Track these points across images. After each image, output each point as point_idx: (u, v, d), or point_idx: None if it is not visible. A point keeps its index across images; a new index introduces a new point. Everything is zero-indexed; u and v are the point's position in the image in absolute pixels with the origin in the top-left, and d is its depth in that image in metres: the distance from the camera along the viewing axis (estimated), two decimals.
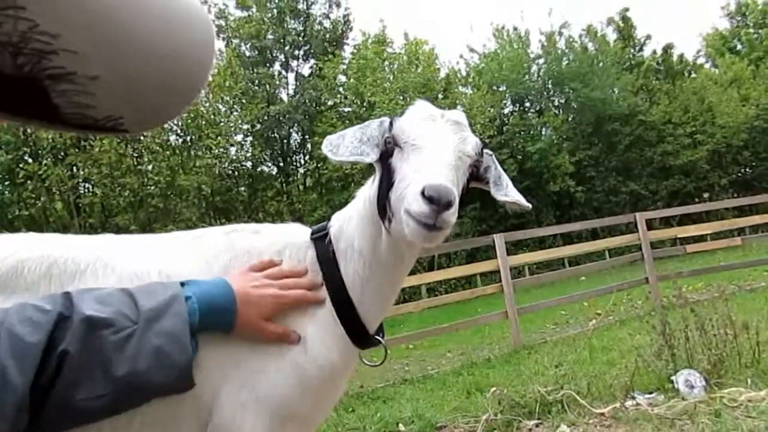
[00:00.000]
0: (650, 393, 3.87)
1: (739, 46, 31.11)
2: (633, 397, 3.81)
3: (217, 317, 1.06)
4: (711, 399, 3.50)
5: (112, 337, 0.91)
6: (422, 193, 1.01)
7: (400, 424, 4.30)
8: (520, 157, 21.41)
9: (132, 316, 0.94)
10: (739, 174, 26.32)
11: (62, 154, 15.70)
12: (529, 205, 1.26)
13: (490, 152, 1.29)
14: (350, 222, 1.29)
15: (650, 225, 9.38)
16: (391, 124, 1.20)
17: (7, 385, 0.79)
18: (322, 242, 1.29)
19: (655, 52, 28.43)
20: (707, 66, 30.63)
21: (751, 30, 31.14)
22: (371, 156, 1.15)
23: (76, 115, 0.40)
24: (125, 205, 16.02)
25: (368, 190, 1.28)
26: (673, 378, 3.86)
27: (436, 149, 1.13)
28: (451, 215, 1.03)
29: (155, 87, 0.42)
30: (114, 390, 0.90)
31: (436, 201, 1.00)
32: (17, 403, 0.80)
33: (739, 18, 32.17)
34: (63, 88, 0.38)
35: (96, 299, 0.94)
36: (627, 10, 28.21)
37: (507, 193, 1.27)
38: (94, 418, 0.92)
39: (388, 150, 1.17)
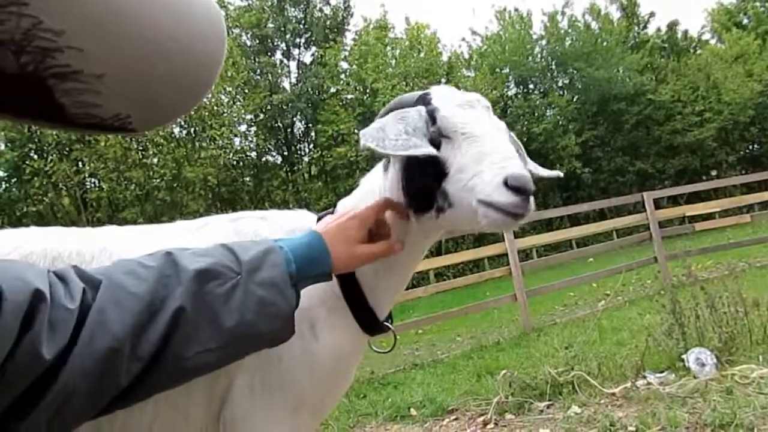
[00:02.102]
0: (661, 372, 3.86)
1: (745, 21, 30.70)
2: (644, 377, 3.81)
3: (312, 264, 1.03)
4: (722, 377, 3.49)
5: (219, 289, 0.90)
6: (505, 183, 1.02)
7: (412, 409, 4.32)
8: (525, 138, 21.29)
9: (234, 267, 0.93)
10: (747, 151, 26.14)
11: (68, 149, 15.75)
12: (560, 173, 1.24)
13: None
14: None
15: (658, 204, 9.33)
16: (430, 113, 1.17)
17: (104, 328, 0.77)
18: None
19: (659, 29, 28.15)
20: (713, 42, 30.28)
21: (758, 3, 30.70)
22: (429, 149, 1.09)
23: (82, 115, 0.39)
24: (132, 198, 16.08)
25: (380, 181, 1.27)
26: (683, 356, 3.86)
27: (493, 138, 1.12)
28: (533, 202, 1.06)
29: (164, 84, 0.41)
30: (223, 343, 0.90)
31: (523, 191, 1.02)
32: (113, 347, 0.77)
33: None
34: (68, 87, 0.37)
35: (197, 253, 0.94)
36: None
37: (536, 168, 1.26)
38: (202, 373, 0.92)
39: (434, 141, 1.13)
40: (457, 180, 1.09)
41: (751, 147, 26.44)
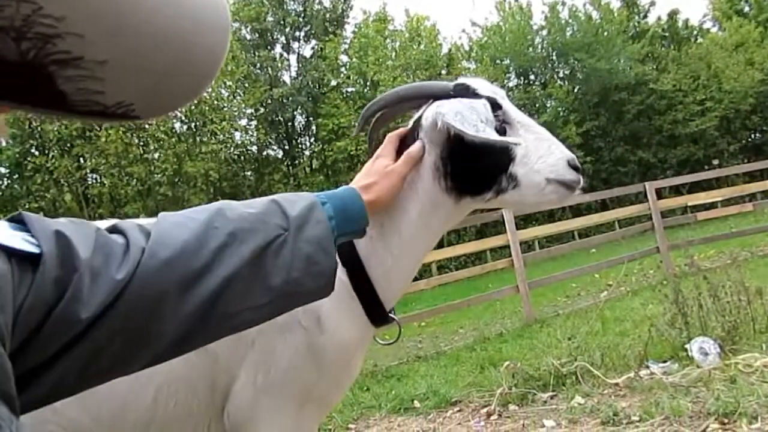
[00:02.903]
0: (664, 362, 3.86)
1: (746, 8, 30.52)
2: (647, 367, 3.81)
3: (350, 221, 1.04)
4: (726, 366, 3.49)
5: (272, 245, 0.90)
6: (568, 163, 1.25)
7: (415, 401, 4.33)
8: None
9: (283, 223, 0.93)
10: (749, 139, 26.06)
11: (68, 145, 15.76)
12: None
13: None
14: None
15: (660, 194, 9.30)
16: (493, 104, 1.27)
17: (151, 280, 0.75)
18: None
19: (659, 18, 28.01)
20: (714, 30, 30.13)
21: None
22: (519, 139, 1.26)
23: (84, 102, 0.39)
24: (133, 194, 16.10)
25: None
26: (687, 346, 3.85)
27: (538, 126, 1.32)
28: None
29: (168, 71, 0.40)
30: (271, 299, 0.90)
31: (580, 169, 1.27)
32: (156, 298, 0.75)
33: None
34: (69, 74, 0.37)
35: (247, 206, 0.93)
36: None
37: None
38: (246, 328, 0.92)
39: (498, 130, 1.25)
40: (524, 163, 1.24)
41: (752, 136, 26.36)
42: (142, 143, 16.27)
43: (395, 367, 5.90)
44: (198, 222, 0.85)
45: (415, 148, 1.22)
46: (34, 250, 0.64)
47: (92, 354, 0.70)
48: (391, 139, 1.26)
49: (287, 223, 0.92)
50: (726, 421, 2.77)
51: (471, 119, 1.19)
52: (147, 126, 16.00)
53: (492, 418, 3.67)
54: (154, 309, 0.75)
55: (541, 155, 1.26)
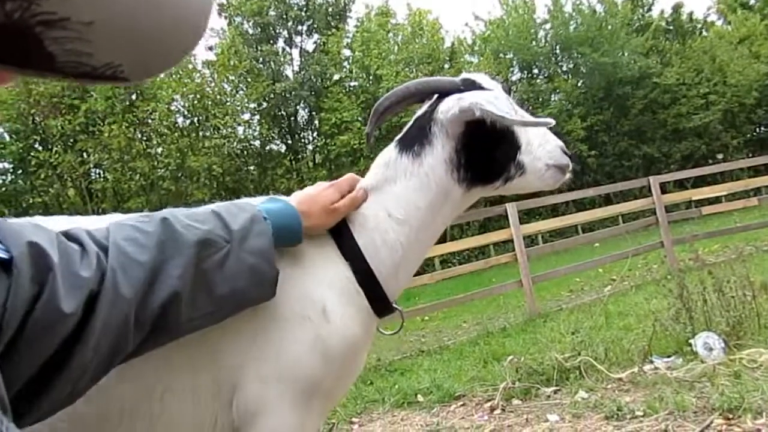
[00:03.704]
0: (668, 357, 3.85)
1: (752, 1, 30.33)
2: (651, 361, 3.80)
3: (288, 232, 1.12)
4: (730, 361, 3.48)
5: (213, 258, 0.94)
6: (562, 149, 1.40)
7: (419, 395, 4.33)
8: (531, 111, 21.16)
9: (225, 236, 0.97)
10: (753, 133, 25.94)
11: (72, 140, 15.80)
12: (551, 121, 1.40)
13: None
14: (379, 196, 1.31)
15: (664, 188, 9.27)
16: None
17: (119, 298, 0.81)
18: None
19: (663, 11, 27.85)
20: (719, 23, 29.95)
21: None
22: (549, 120, 1.36)
23: (73, 63, 0.38)
24: (137, 189, 16.13)
25: (408, 166, 1.32)
26: (691, 341, 3.84)
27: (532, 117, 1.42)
28: None
29: (155, 31, 0.40)
30: (217, 308, 0.96)
31: (570, 155, 1.43)
32: (128, 317, 0.82)
33: None
34: (56, 35, 0.36)
35: (191, 217, 0.97)
36: None
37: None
38: (198, 329, 0.98)
39: None
40: (528, 152, 1.36)
41: (757, 130, 26.24)
42: (145, 138, 16.30)
43: (398, 361, 5.90)
44: (147, 237, 0.89)
45: (358, 194, 1.28)
46: (4, 255, 0.69)
47: (82, 368, 0.76)
48: (350, 179, 1.31)
49: (230, 235, 0.97)
50: (730, 416, 2.76)
51: (503, 107, 1.26)
52: (150, 121, 16.02)
53: (495, 412, 3.67)
54: (125, 322, 0.81)
55: (540, 143, 1.38)
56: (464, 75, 1.42)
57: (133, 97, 16.24)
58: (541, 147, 1.38)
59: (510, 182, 1.37)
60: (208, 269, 0.93)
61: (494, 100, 1.26)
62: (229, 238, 0.97)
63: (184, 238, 0.91)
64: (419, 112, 1.39)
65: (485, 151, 1.34)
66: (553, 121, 1.35)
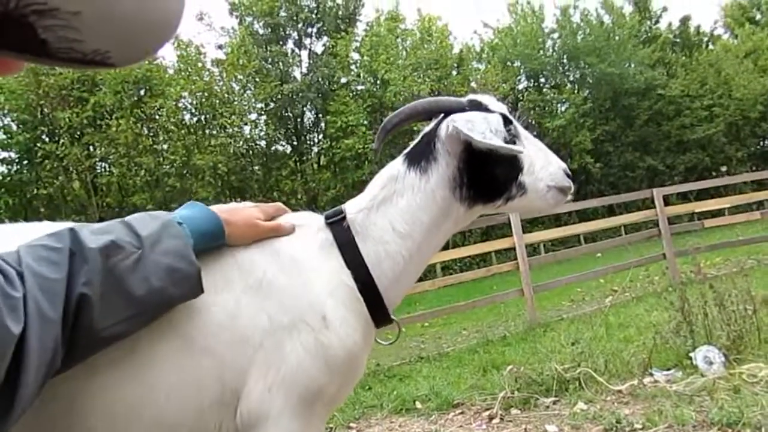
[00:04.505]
0: (668, 370, 3.85)
1: (758, 16, 30.34)
2: (651, 374, 3.80)
3: (207, 238, 1.14)
4: (730, 375, 3.48)
5: (124, 262, 0.96)
6: (564, 172, 1.42)
7: (417, 402, 4.33)
8: (535, 133, 21.15)
9: (135, 242, 0.99)
10: (757, 147, 25.95)
11: (79, 133, 15.85)
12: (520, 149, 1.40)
13: None
14: (387, 209, 1.34)
15: (667, 200, 9.27)
16: (505, 119, 1.38)
17: (45, 319, 0.83)
18: (339, 226, 1.32)
19: (671, 24, 27.89)
20: (725, 37, 29.98)
21: None
22: (522, 147, 1.38)
23: (65, 49, 0.42)
24: (142, 184, 16.17)
25: (416, 181, 1.35)
26: (691, 354, 3.84)
27: (536, 139, 1.46)
28: None
29: (138, 19, 0.43)
30: (136, 311, 0.97)
31: (572, 177, 1.45)
32: (57, 337, 0.85)
33: None
34: (48, 23, 0.40)
35: (96, 231, 0.99)
36: None
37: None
38: (121, 338, 0.99)
39: (507, 141, 1.37)
40: (530, 173, 1.39)
41: (761, 143, 26.24)
42: (152, 134, 16.34)
43: (397, 367, 5.90)
44: (58, 253, 0.91)
45: (287, 227, 1.28)
46: None
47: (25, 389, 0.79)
48: (279, 206, 1.33)
49: (139, 241, 0.99)
50: (729, 431, 2.77)
51: (480, 128, 1.30)
52: (157, 117, 16.07)
53: (494, 421, 3.67)
54: (53, 340, 0.84)
55: (543, 165, 1.42)
56: (471, 96, 1.45)
57: (142, 92, 16.31)
58: (543, 168, 1.42)
59: (511, 201, 1.41)
60: (120, 273, 0.95)
61: (475, 120, 1.31)
62: (139, 244, 0.99)
63: (90, 246, 0.93)
64: (426, 129, 1.43)
65: (486, 170, 1.36)
66: (522, 149, 1.36)
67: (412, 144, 1.43)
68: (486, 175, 1.37)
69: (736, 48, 26.28)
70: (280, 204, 1.35)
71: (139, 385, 1.07)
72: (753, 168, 23.99)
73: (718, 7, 32.39)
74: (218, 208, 1.19)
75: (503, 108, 1.43)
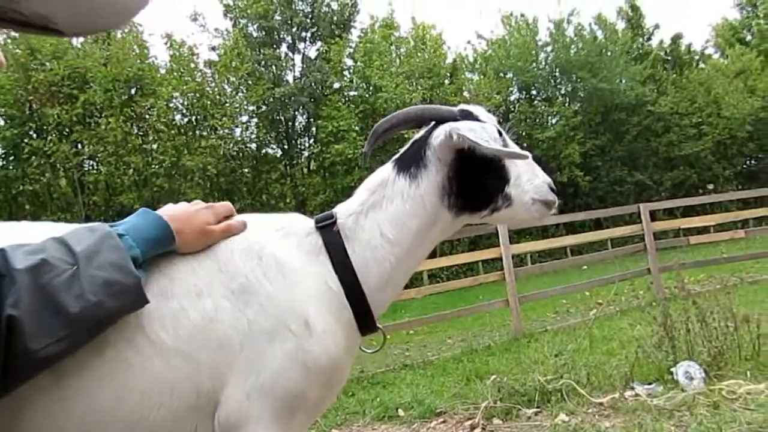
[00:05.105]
0: (649, 384, 3.88)
1: (749, 37, 30.81)
2: (632, 388, 3.83)
3: (156, 244, 1.12)
4: (710, 391, 3.51)
5: (56, 280, 0.94)
6: (549, 186, 1.45)
7: (400, 409, 4.33)
8: (525, 144, 21.32)
9: (69, 258, 0.97)
10: (744, 166, 26.29)
11: (67, 130, 15.72)
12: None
13: None
14: (377, 214, 1.35)
15: (654, 216, 9.36)
16: (499, 132, 1.41)
17: None
18: (329, 230, 1.31)
19: (662, 41, 28.22)
20: (716, 56, 30.41)
21: (762, 21, 30.79)
22: (525, 153, 1.37)
23: (7, 9, 0.41)
24: (130, 183, 16.05)
25: (405, 187, 1.35)
26: (672, 369, 3.88)
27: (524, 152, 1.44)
28: None
29: None
30: (72, 329, 0.94)
31: (557, 192, 1.47)
32: None
33: (750, 8, 31.83)
34: None
35: (29, 252, 0.96)
36: None
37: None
38: (60, 359, 0.96)
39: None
40: (517, 185, 1.41)
41: (748, 162, 26.58)
42: (141, 133, 16.23)
43: (381, 374, 5.90)
44: None
45: (236, 223, 1.27)
46: None
47: None
48: (227, 206, 1.31)
49: (74, 258, 0.97)
50: None
51: (483, 135, 1.31)
52: (148, 116, 15.99)
53: (476, 431, 3.68)
54: None
55: (529, 178, 1.43)
56: (462, 106, 1.47)
57: (133, 91, 16.23)
58: (529, 182, 1.43)
59: (497, 213, 1.42)
60: (51, 291, 0.92)
61: (477, 128, 1.32)
62: (73, 261, 0.97)
63: (18, 267, 0.91)
64: (416, 136, 1.43)
65: (475, 180, 1.38)
66: (528, 155, 1.37)
67: (403, 150, 1.43)
68: (474, 184, 1.38)
69: (726, 68, 26.64)
70: (228, 204, 1.33)
71: (109, 390, 1.06)
72: (739, 187, 24.29)
73: (710, 27, 32.84)
74: (170, 216, 1.17)
75: (493, 119, 1.46)
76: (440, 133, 1.34)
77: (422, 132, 1.42)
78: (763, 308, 5.77)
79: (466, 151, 1.33)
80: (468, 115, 1.42)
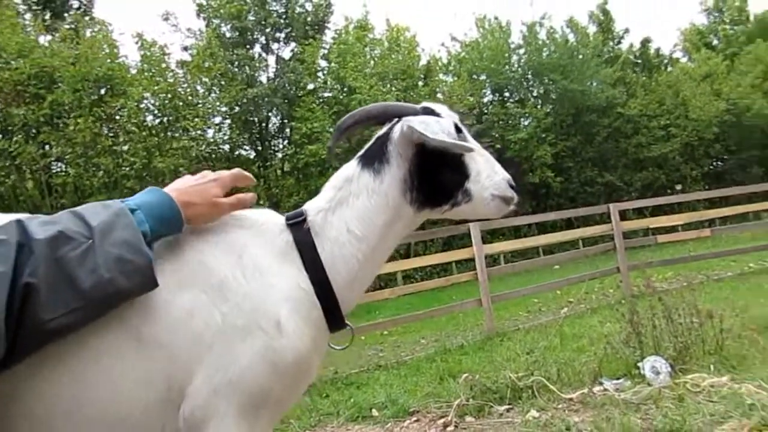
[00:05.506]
0: (618, 379, 3.96)
1: (715, 42, 31.62)
2: (601, 383, 3.91)
3: (165, 223, 1.12)
4: (675, 384, 3.61)
5: (72, 253, 0.95)
6: (508, 182, 1.47)
7: (373, 410, 4.34)
8: (499, 146, 21.52)
9: (85, 232, 0.98)
10: (711, 167, 26.92)
11: (34, 131, 15.36)
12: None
13: None
14: (344, 210, 1.36)
15: (623, 215, 9.53)
16: (456, 127, 1.44)
17: None
18: (299, 228, 1.33)
19: (632, 45, 28.78)
20: (684, 60, 31.13)
21: (728, 26, 31.67)
22: (472, 146, 1.42)
23: None
24: (99, 186, 15.75)
25: (370, 182, 1.38)
26: (640, 364, 3.96)
27: (484, 150, 1.51)
28: None
29: None
30: (84, 303, 0.96)
31: (516, 189, 1.48)
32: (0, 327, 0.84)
33: (716, 14, 32.68)
34: None
35: (45, 222, 0.98)
36: (606, 2, 28.49)
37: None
38: (70, 332, 0.98)
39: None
40: (476, 181, 1.44)
41: (714, 163, 27.25)
42: (111, 135, 15.95)
43: (355, 374, 5.90)
44: (5, 246, 0.90)
45: (249, 197, 1.29)
46: None
47: None
48: (236, 174, 1.32)
49: (89, 232, 0.98)
50: None
51: (434, 128, 1.35)
52: (118, 117, 15.72)
53: (448, 429, 3.71)
54: None
55: (489, 174, 1.46)
56: (425, 104, 1.51)
57: (102, 91, 15.94)
58: (488, 178, 1.46)
59: (457, 207, 1.46)
60: (67, 264, 0.94)
61: (429, 122, 1.37)
62: (89, 234, 0.98)
63: (37, 238, 0.93)
64: (380, 132, 1.46)
65: (435, 175, 1.41)
66: (473, 148, 1.41)
67: (367, 146, 1.46)
68: (435, 179, 1.41)
69: (693, 71, 27.26)
70: (238, 170, 1.33)
71: (85, 379, 1.07)
72: (706, 187, 24.87)
73: (678, 31, 33.65)
74: (177, 189, 1.18)
75: (455, 116, 1.49)
76: (398, 128, 1.38)
77: (385, 128, 1.45)
78: (727, 304, 5.93)
79: (425, 147, 1.36)
80: (430, 112, 1.46)
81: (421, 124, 1.34)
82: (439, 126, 1.38)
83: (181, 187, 1.20)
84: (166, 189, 1.19)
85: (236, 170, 1.33)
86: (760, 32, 28.88)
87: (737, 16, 31.70)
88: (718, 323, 4.20)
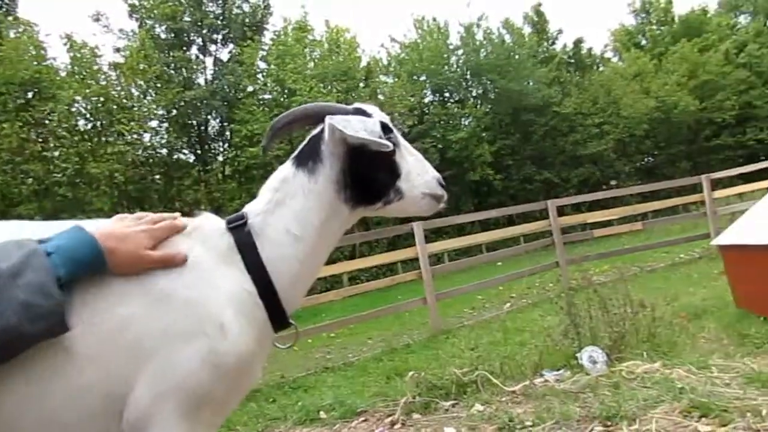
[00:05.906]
0: (558, 370, 4.09)
1: (643, 42, 33.07)
2: (542, 375, 4.02)
3: (84, 267, 1.09)
4: (611, 373, 3.75)
5: None
6: (438, 181, 1.52)
7: (321, 412, 4.32)
8: (441, 146, 21.82)
9: None
10: (642, 162, 28.16)
11: None
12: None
13: None
14: (282, 211, 1.37)
15: (562, 211, 9.85)
16: (383, 125, 1.45)
17: None
18: (240, 230, 1.33)
19: (566, 45, 29.73)
20: (614, 60, 32.42)
21: (654, 27, 33.17)
22: (390, 144, 1.42)
23: None
24: (29, 193, 15.04)
25: (305, 183, 1.39)
26: (578, 355, 4.10)
27: (415, 150, 1.56)
28: None
29: None
30: None
31: (445, 187, 1.53)
32: None
33: (643, 15, 34.18)
34: None
35: None
36: (540, 4, 29.35)
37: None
38: None
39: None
40: (407, 180, 1.48)
41: (645, 159, 28.51)
42: (41, 140, 15.25)
43: (303, 378, 5.87)
44: None
45: (177, 258, 1.22)
46: None
47: None
48: (172, 226, 1.27)
49: None
50: (609, 423, 2.98)
51: (355, 126, 1.38)
52: (47, 122, 15.07)
53: (396, 427, 3.73)
54: None
55: (419, 173, 1.51)
56: (357, 104, 1.53)
57: (30, 95, 15.22)
58: (419, 176, 1.51)
59: (389, 205, 1.49)
60: None
61: (352, 120, 1.40)
62: None
63: None
64: (313, 132, 1.48)
65: (367, 174, 1.44)
66: (390, 146, 1.42)
67: (301, 146, 1.48)
68: (366, 178, 1.44)
69: (623, 70, 28.45)
70: (173, 223, 1.28)
71: (25, 384, 1.06)
72: (639, 182, 25.98)
73: (608, 32, 34.99)
74: (105, 234, 1.14)
75: (385, 117, 1.52)
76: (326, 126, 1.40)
77: (318, 128, 1.46)
78: (659, 294, 6.23)
79: (355, 146, 1.39)
80: (361, 113, 1.48)
81: (342, 121, 1.36)
82: (362, 124, 1.40)
83: (110, 231, 1.16)
84: (97, 228, 1.15)
85: (172, 223, 1.28)
86: (685, 32, 30.41)
87: (663, 17, 33.25)
88: (650, 312, 4.39)
